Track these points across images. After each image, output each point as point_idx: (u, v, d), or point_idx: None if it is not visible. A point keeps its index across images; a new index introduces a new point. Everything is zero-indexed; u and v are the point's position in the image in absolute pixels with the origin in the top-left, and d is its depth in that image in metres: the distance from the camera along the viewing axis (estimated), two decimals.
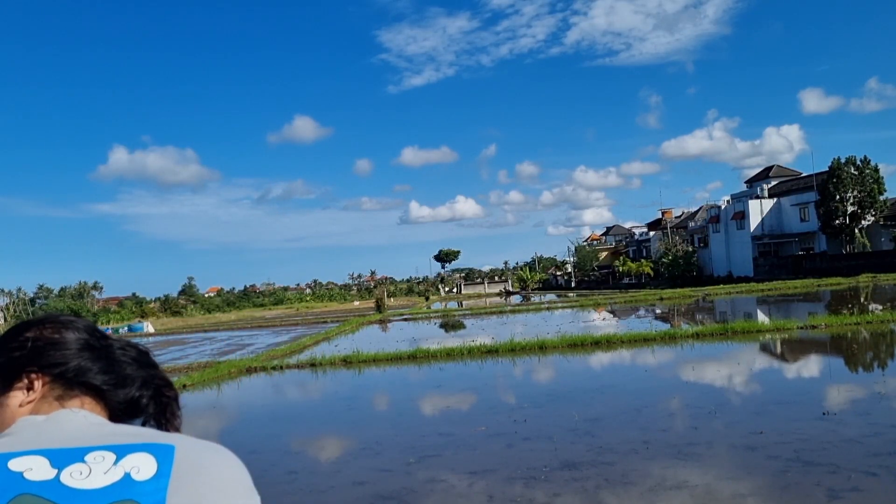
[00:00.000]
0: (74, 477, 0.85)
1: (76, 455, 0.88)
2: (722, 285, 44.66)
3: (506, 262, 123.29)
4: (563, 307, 34.61)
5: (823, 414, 7.67)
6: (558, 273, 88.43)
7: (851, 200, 47.00)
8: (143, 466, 0.87)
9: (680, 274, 59.30)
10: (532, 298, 55.44)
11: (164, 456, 0.89)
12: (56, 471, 0.86)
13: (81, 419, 0.97)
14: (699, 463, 6.26)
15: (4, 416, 1.00)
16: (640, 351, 14.50)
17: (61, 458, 0.88)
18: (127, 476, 0.86)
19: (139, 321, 42.14)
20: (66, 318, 1.08)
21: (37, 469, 0.86)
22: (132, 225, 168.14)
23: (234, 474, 0.92)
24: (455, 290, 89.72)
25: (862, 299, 25.75)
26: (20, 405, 0.99)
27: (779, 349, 14.19)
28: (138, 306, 77.94)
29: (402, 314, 37.06)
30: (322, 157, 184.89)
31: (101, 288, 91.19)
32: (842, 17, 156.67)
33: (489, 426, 8.42)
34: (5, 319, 64.94)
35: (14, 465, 0.87)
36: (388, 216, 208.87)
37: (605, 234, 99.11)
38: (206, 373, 15.30)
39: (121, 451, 0.89)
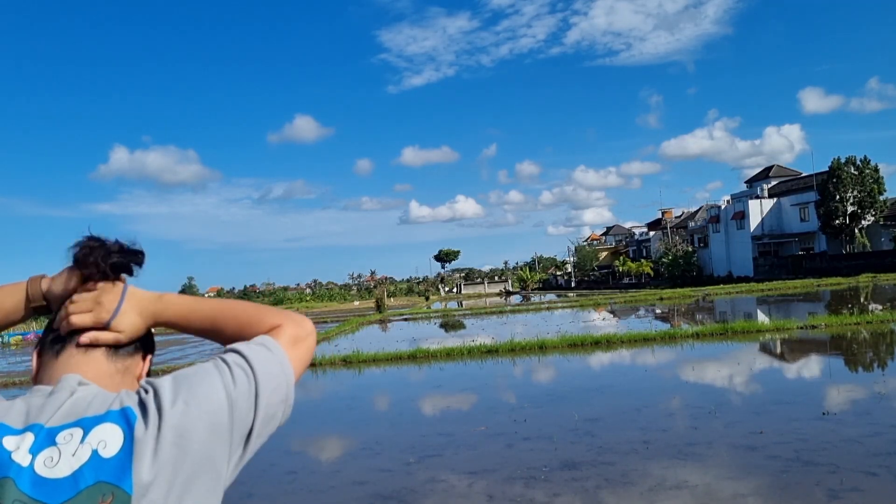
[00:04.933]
0: (47, 465, 0.87)
1: (50, 437, 0.90)
2: (722, 285, 44.62)
3: (506, 262, 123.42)
4: (563, 307, 34.60)
5: (823, 414, 7.67)
6: (558, 273, 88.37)
7: (851, 200, 46.96)
8: (109, 440, 0.89)
9: (680, 274, 59.28)
10: (532, 298, 55.41)
11: (127, 424, 0.90)
12: (31, 456, 0.88)
13: (73, 384, 0.98)
14: (699, 463, 6.26)
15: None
16: (640, 351, 14.50)
17: (40, 439, 0.90)
18: (95, 454, 0.88)
19: None
20: None
21: (22, 450, 0.88)
22: (132, 225, 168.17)
23: (190, 422, 0.91)
24: (455, 290, 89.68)
25: (862, 299, 25.74)
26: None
27: (779, 349, 14.19)
28: None
29: (402, 314, 37.04)
30: (322, 157, 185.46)
31: None
32: (842, 17, 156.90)
33: (489, 426, 8.42)
34: None
35: (7, 442, 0.89)
36: (388, 216, 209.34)
37: (605, 234, 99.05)
38: None
39: (87, 425, 0.91)
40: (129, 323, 1.06)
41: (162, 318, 1.10)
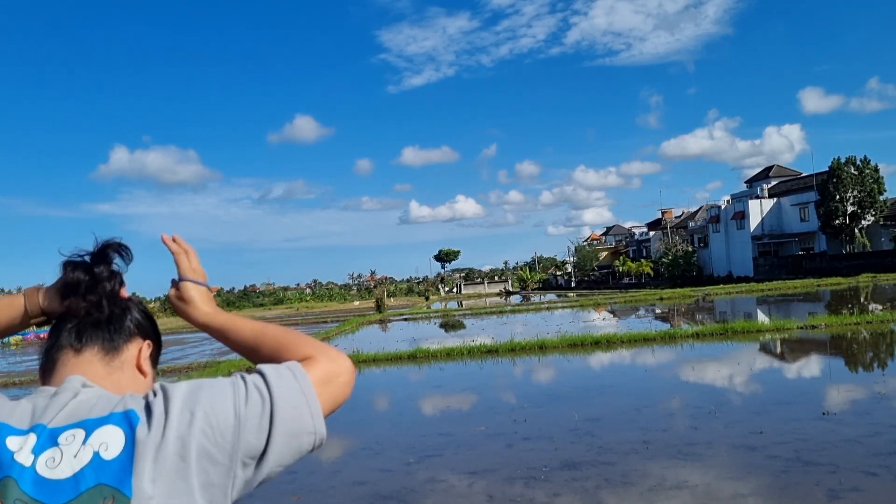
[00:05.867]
0: (49, 466, 0.87)
1: (53, 438, 0.90)
2: (722, 285, 44.62)
3: (506, 262, 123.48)
4: (563, 307, 34.59)
5: (823, 414, 7.67)
6: (558, 273, 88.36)
7: (851, 200, 46.97)
8: (111, 442, 0.89)
9: (680, 274, 59.26)
10: (532, 298, 55.40)
11: (129, 427, 0.90)
12: (33, 457, 0.88)
13: (77, 385, 0.98)
14: (699, 463, 6.26)
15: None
16: (640, 351, 14.49)
17: (43, 440, 0.90)
18: (96, 456, 0.88)
19: None
20: None
21: (25, 450, 0.89)
22: (132, 225, 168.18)
23: (192, 433, 0.91)
24: (455, 290, 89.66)
25: (862, 299, 25.74)
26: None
27: (779, 349, 14.19)
28: None
29: (402, 314, 37.03)
30: (322, 157, 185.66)
31: None
32: (842, 17, 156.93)
33: (489, 426, 8.42)
34: None
35: (10, 442, 0.90)
36: (388, 216, 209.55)
37: (605, 233, 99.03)
38: (206, 373, 15.29)
39: (90, 427, 0.91)
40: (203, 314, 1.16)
41: (218, 318, 1.16)
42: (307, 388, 1.00)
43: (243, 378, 0.99)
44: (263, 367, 1.02)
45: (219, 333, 1.15)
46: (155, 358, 1.16)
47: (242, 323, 1.15)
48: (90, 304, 1.07)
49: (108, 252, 1.10)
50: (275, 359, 1.07)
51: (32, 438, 0.89)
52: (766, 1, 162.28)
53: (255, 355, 1.12)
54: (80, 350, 1.05)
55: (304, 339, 1.11)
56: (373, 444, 8.07)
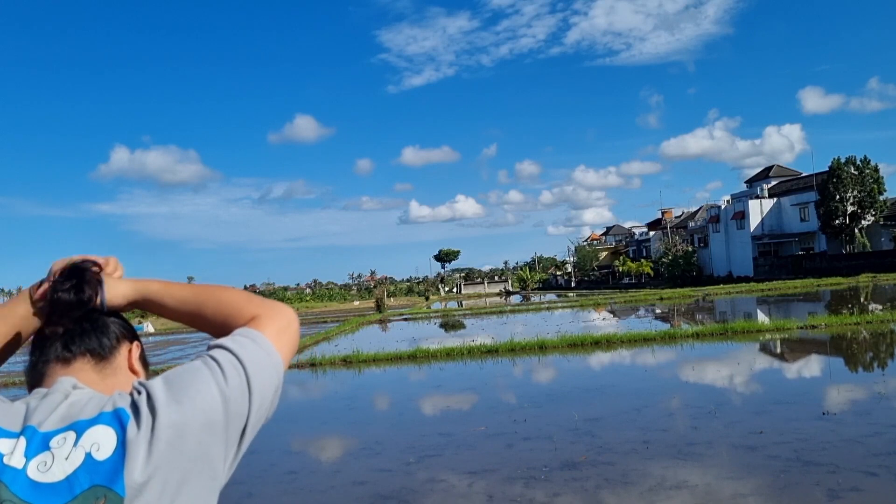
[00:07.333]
0: (41, 469, 0.87)
1: (45, 441, 0.89)
2: (722, 285, 44.63)
3: (506, 262, 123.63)
4: (563, 307, 34.59)
5: (823, 414, 7.67)
6: (558, 273, 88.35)
7: (851, 200, 46.95)
8: (102, 443, 0.88)
9: (680, 274, 59.24)
10: (532, 298, 55.38)
11: (120, 426, 0.90)
12: (25, 460, 0.87)
13: (67, 387, 0.97)
14: (699, 463, 6.26)
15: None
16: (640, 351, 14.49)
17: (34, 444, 0.89)
18: (88, 457, 0.87)
19: (139, 321, 41.74)
20: None
21: (16, 454, 0.88)
22: (132, 225, 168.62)
23: (185, 421, 0.91)
24: (455, 289, 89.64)
25: (862, 299, 25.73)
26: None
27: (779, 349, 14.19)
28: None
29: (402, 314, 37.01)
30: (323, 157, 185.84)
31: None
32: (842, 17, 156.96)
33: (489, 426, 8.42)
34: None
35: (1, 445, 0.89)
36: (388, 216, 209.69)
37: (605, 233, 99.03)
38: None
39: (80, 428, 0.90)
40: (120, 296, 1.09)
41: (145, 292, 1.10)
42: (271, 352, 1.03)
43: (213, 358, 0.99)
44: (224, 341, 1.02)
45: (155, 305, 1.11)
46: (144, 358, 1.14)
47: (178, 288, 1.12)
48: (70, 323, 1.05)
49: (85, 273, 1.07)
50: (223, 324, 1.08)
51: (23, 441, 0.89)
52: (766, 1, 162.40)
53: (199, 321, 1.11)
54: (70, 361, 1.03)
55: (246, 299, 1.11)
56: (373, 444, 8.07)
